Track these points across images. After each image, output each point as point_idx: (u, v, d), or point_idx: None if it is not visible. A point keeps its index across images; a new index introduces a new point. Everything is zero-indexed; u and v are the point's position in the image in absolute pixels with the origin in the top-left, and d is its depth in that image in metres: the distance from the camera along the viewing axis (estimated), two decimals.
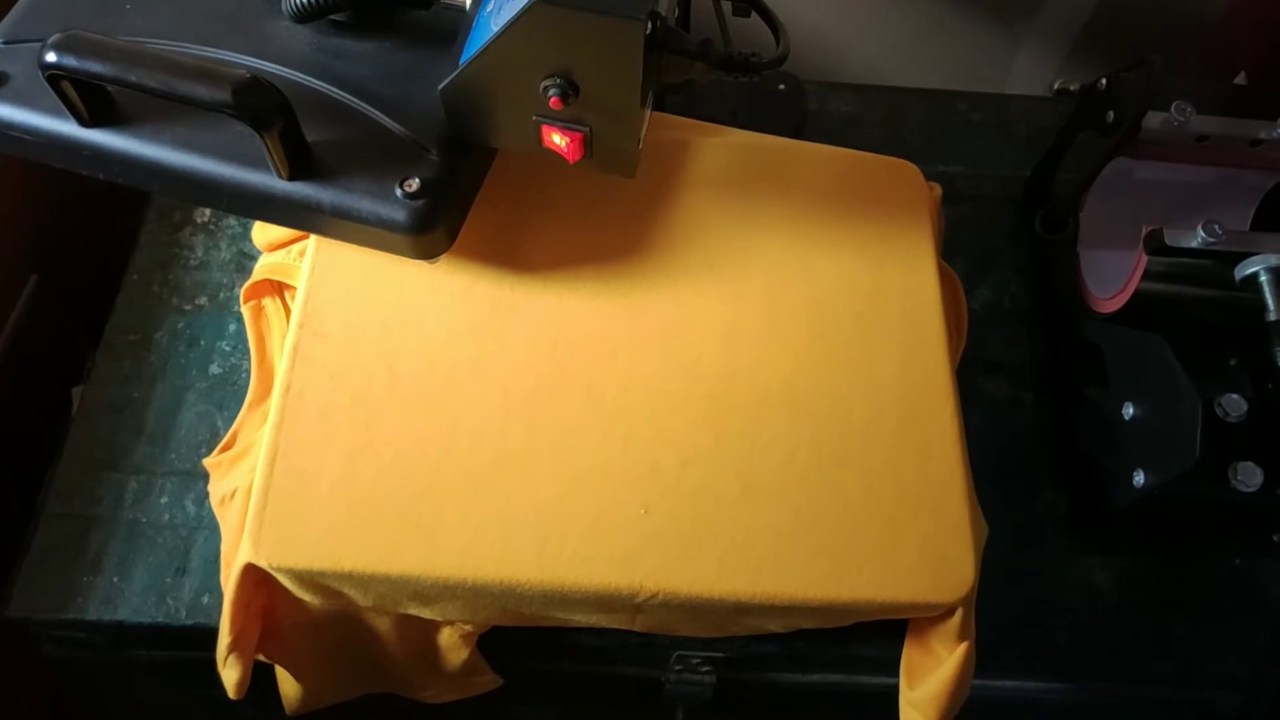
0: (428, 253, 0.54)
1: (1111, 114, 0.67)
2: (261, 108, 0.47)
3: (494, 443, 0.54)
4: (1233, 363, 0.61)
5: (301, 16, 0.53)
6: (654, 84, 0.49)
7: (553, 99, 0.47)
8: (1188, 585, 0.67)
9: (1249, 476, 0.56)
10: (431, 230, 0.52)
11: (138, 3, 0.55)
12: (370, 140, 0.52)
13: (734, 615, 0.55)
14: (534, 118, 0.49)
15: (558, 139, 0.50)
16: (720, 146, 0.67)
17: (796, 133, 0.81)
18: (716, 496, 0.54)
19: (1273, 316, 0.58)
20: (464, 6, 0.52)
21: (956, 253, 0.78)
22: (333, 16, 0.54)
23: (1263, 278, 0.59)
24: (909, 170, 0.67)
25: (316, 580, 0.52)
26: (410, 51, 0.55)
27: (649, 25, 0.44)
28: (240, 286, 0.66)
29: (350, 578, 0.51)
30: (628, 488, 0.54)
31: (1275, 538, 0.66)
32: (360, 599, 0.54)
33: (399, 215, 0.51)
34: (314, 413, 0.54)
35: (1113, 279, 0.66)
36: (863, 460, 0.56)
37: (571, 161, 0.51)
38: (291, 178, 0.51)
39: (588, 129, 0.49)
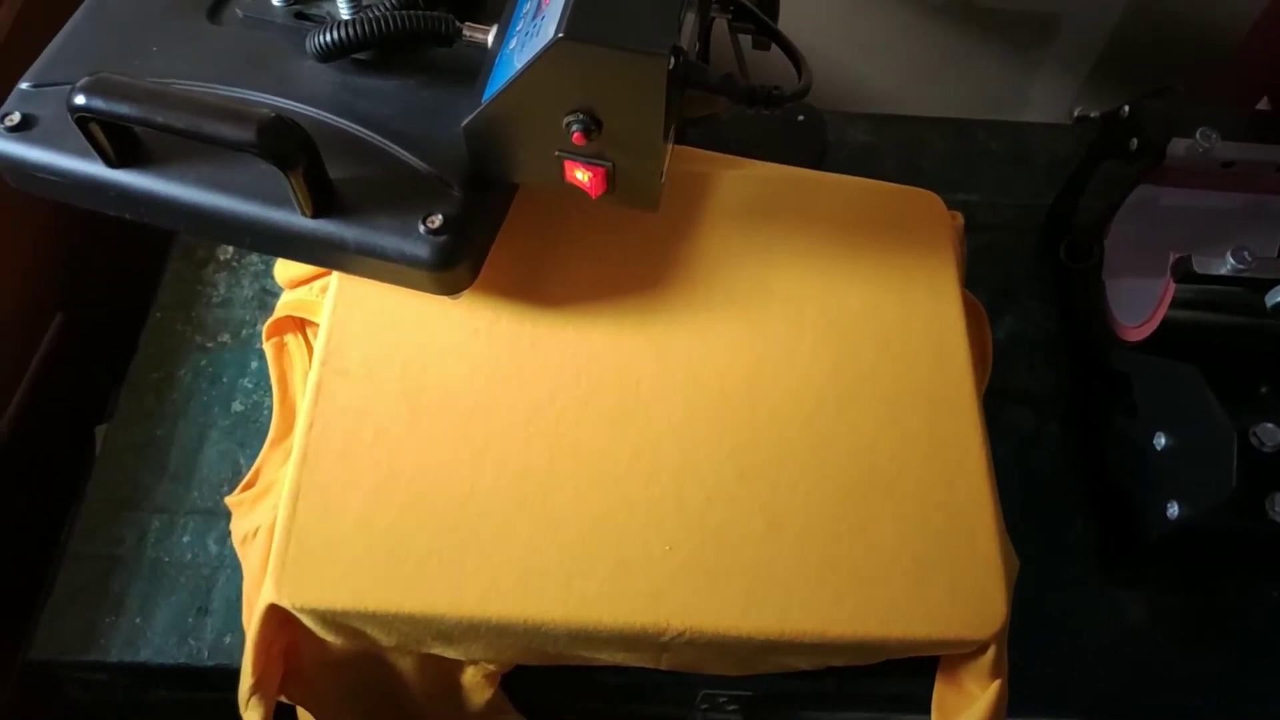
0: (451, 288, 0.54)
1: (1135, 141, 0.66)
2: (285, 147, 0.47)
3: (517, 479, 0.54)
4: (1264, 390, 0.60)
5: (325, 56, 0.53)
6: (676, 118, 0.49)
7: (576, 135, 0.47)
8: (1224, 619, 0.65)
9: None
10: (455, 266, 0.52)
11: (163, 44, 0.55)
12: (393, 177, 0.52)
13: (761, 653, 0.54)
14: (556, 153, 0.49)
15: (580, 174, 0.50)
16: (741, 179, 0.67)
17: (817, 163, 0.81)
18: (742, 533, 0.53)
19: None
20: (487, 43, 0.52)
21: (979, 282, 0.77)
22: (356, 55, 0.54)
23: None
24: (931, 200, 0.67)
25: (340, 620, 0.52)
26: (433, 89, 0.55)
27: (671, 61, 0.44)
28: (263, 323, 0.67)
29: (373, 617, 0.51)
30: (652, 524, 0.53)
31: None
32: (383, 639, 0.53)
33: (422, 252, 0.51)
34: (336, 450, 0.54)
35: (1140, 307, 0.65)
36: (889, 494, 0.55)
37: (594, 197, 0.51)
38: (315, 215, 0.51)
39: (610, 164, 0.49)
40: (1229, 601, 0.66)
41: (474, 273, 0.54)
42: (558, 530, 0.53)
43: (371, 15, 0.51)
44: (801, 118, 0.81)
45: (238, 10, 0.57)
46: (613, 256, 0.62)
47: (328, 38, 0.51)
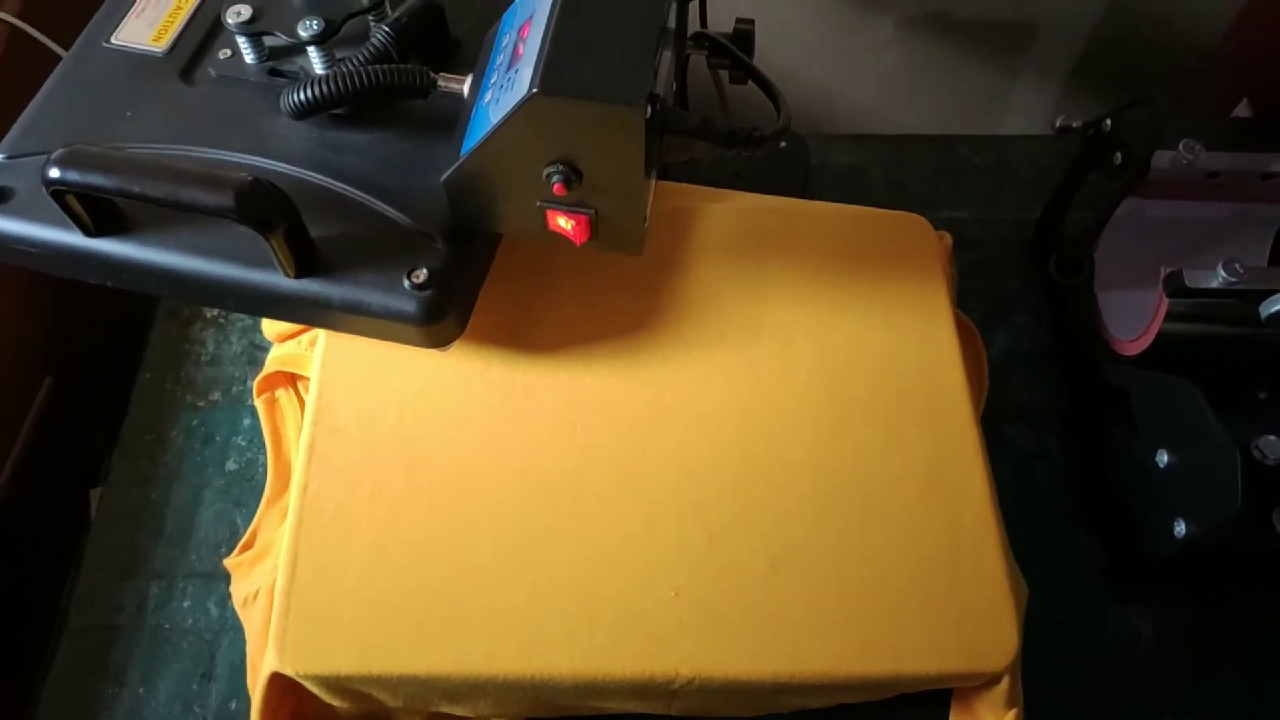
0: (440, 341, 0.53)
1: (1119, 155, 0.66)
2: (264, 210, 0.47)
3: (516, 530, 0.53)
4: (1262, 396, 0.60)
5: (300, 113, 0.53)
6: (656, 164, 0.49)
7: (556, 185, 0.46)
8: (1232, 634, 0.65)
9: None
10: (442, 319, 0.52)
11: (137, 108, 0.55)
12: (375, 233, 0.52)
13: (773, 695, 0.53)
14: (538, 204, 0.49)
15: (563, 222, 0.50)
16: (726, 211, 0.66)
17: (801, 189, 0.81)
18: (746, 573, 0.53)
19: None
20: (462, 94, 0.52)
21: (969, 299, 0.77)
22: (331, 110, 0.54)
23: None
24: (918, 224, 0.67)
25: (345, 684, 0.51)
26: (410, 141, 0.54)
27: (649, 109, 0.43)
28: (253, 379, 0.66)
29: (378, 680, 0.50)
30: (656, 568, 0.53)
31: None
32: (389, 700, 0.52)
33: (409, 307, 0.50)
34: (332, 511, 0.53)
35: (1134, 321, 0.65)
36: (893, 526, 0.55)
37: (578, 244, 0.50)
38: (299, 275, 0.50)
39: (593, 211, 0.49)
40: (1240, 614, 0.65)
41: (462, 324, 0.54)
42: (560, 581, 0.52)
43: (345, 71, 0.50)
44: (784, 144, 0.81)
45: (211, 70, 0.56)
46: (600, 299, 0.61)
47: (302, 96, 0.51)
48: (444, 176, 0.49)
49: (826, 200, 0.68)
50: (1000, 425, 0.72)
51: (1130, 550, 0.64)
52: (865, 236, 0.66)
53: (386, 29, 0.52)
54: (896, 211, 0.67)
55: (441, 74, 0.51)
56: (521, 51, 0.47)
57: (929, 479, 0.56)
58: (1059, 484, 0.69)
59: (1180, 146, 0.64)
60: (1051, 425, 0.72)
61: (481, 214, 0.51)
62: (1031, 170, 0.86)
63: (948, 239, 0.69)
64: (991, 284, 0.79)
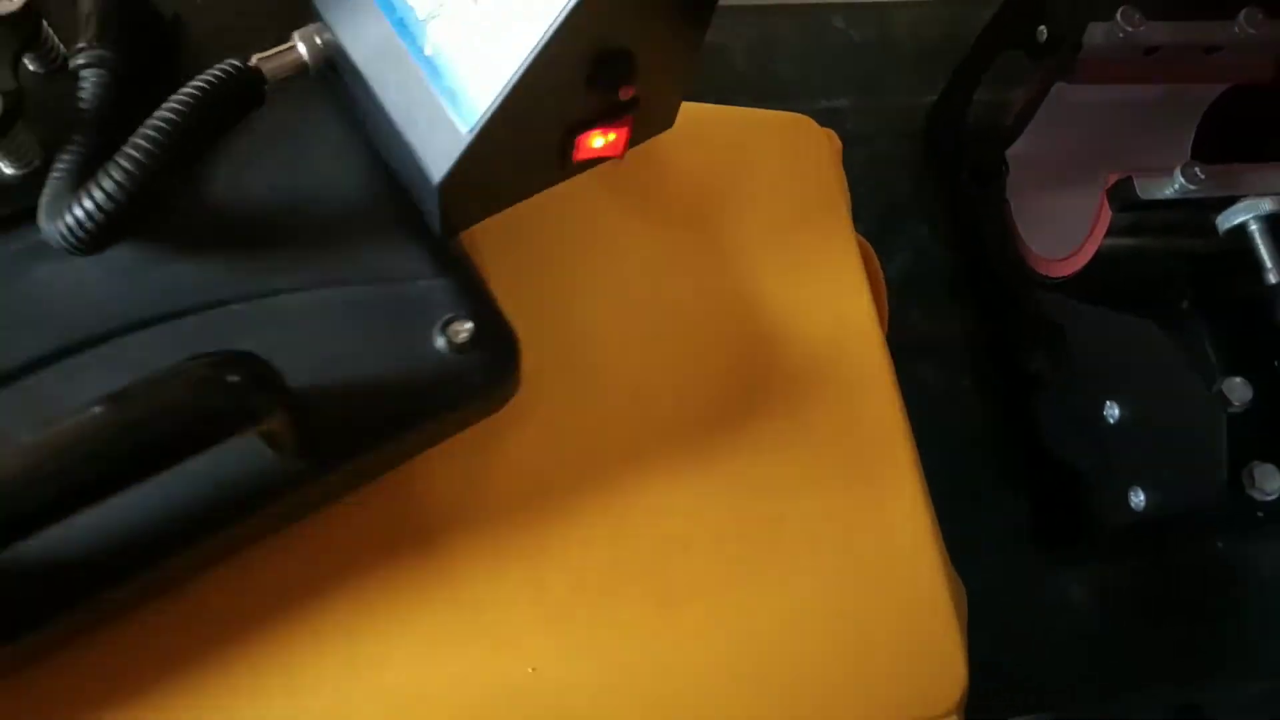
0: (509, 393, 0.35)
1: (1044, 30, 0.53)
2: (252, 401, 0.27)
3: None
4: (1223, 338, 0.51)
5: (100, 237, 0.29)
6: None
7: (622, 89, 0.31)
8: (1171, 583, 0.57)
9: (1268, 481, 0.46)
10: (511, 361, 0.34)
11: None
12: (360, 325, 0.33)
13: None
14: (565, 135, 0.32)
15: (599, 141, 0.33)
16: None
17: None
18: (624, 626, 0.40)
19: (1273, 279, 0.47)
20: (308, 67, 0.31)
21: (857, 209, 0.64)
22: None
23: (1253, 228, 0.48)
24: (805, 126, 0.53)
25: None
26: (300, 178, 0.34)
27: None
28: None
29: None
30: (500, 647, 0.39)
31: (1260, 513, 0.57)
32: None
33: (471, 377, 0.33)
34: None
35: (1062, 236, 0.54)
36: (805, 541, 0.42)
37: (621, 155, 0.34)
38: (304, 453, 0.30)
39: (634, 101, 0.33)
40: (1174, 560, 0.58)
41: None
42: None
43: (145, 137, 0.28)
44: None
45: None
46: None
47: (89, 208, 0.28)
48: (439, 178, 0.30)
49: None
50: (903, 362, 0.60)
51: (1069, 517, 0.54)
52: (746, 146, 0.51)
53: (92, 53, 0.30)
54: (779, 113, 0.53)
55: (258, 57, 0.31)
56: None
57: (849, 477, 0.44)
58: (976, 432, 0.59)
59: (1118, 17, 0.52)
60: (963, 361, 0.61)
61: (491, 196, 0.34)
62: (917, 46, 0.73)
63: (836, 141, 0.55)
64: (881, 189, 0.67)
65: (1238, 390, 0.47)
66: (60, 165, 0.29)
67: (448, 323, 0.33)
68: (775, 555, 0.42)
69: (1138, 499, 0.47)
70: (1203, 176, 0.47)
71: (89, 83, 0.30)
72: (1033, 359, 0.56)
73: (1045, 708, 0.55)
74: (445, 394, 0.33)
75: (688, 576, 0.41)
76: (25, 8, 0.29)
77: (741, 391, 0.45)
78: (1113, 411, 0.49)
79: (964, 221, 0.64)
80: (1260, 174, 0.49)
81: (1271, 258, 0.47)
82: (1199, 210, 0.49)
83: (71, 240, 0.28)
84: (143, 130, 0.28)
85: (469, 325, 0.32)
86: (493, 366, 0.34)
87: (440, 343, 0.33)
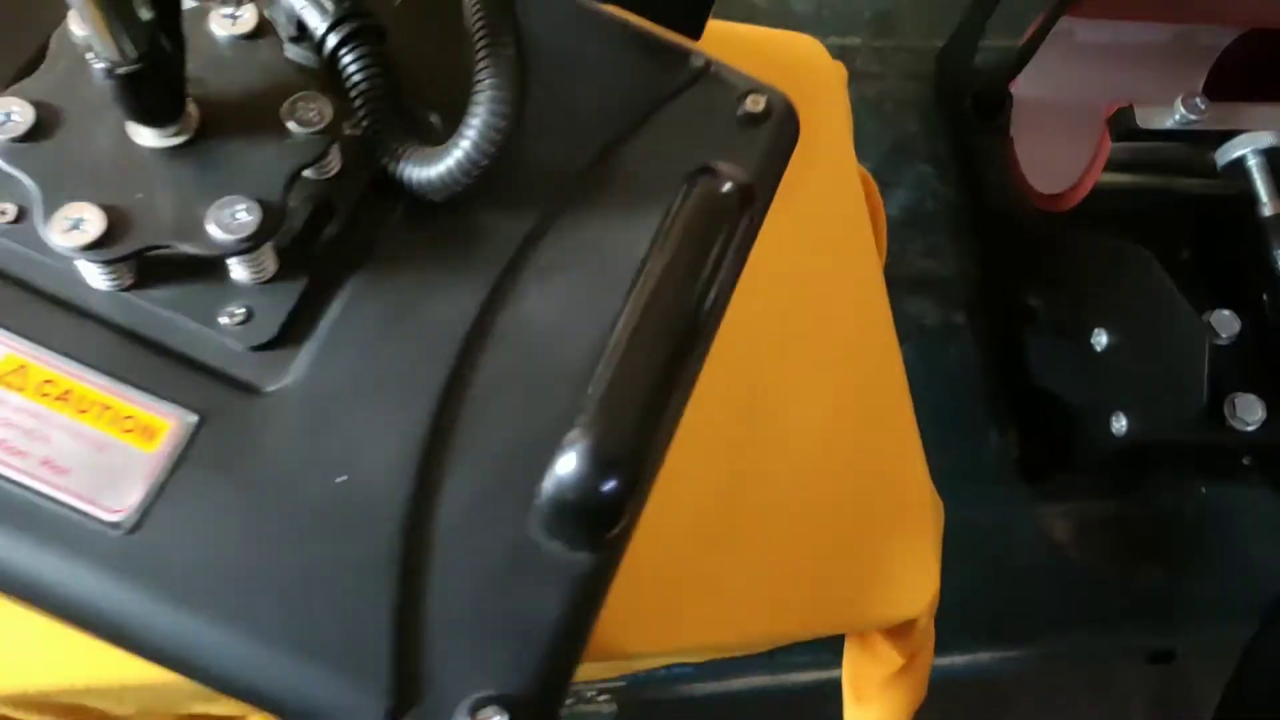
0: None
1: None
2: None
3: None
4: (1212, 269, 0.51)
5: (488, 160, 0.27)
6: None
7: None
8: (1154, 525, 0.58)
9: (1248, 412, 0.46)
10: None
11: None
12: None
13: (647, 659, 0.42)
14: None
15: None
16: None
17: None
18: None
19: (1268, 211, 0.47)
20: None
21: (863, 145, 0.64)
22: None
23: (1251, 162, 0.48)
24: (812, 48, 0.53)
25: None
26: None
27: None
28: None
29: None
30: None
31: (1245, 460, 0.57)
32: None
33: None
34: None
35: (1062, 170, 0.54)
36: (805, 456, 0.42)
37: None
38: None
39: None
40: (1158, 502, 0.58)
41: None
42: None
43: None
44: None
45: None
46: None
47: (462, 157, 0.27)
48: None
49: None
50: (899, 298, 0.61)
51: (1056, 447, 0.54)
52: (756, 64, 0.51)
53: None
54: (786, 32, 0.53)
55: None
56: None
57: (840, 386, 0.44)
58: (970, 367, 0.59)
59: None
60: (959, 298, 0.61)
61: None
62: None
63: (843, 71, 0.55)
64: (887, 129, 0.67)
65: (1225, 322, 0.47)
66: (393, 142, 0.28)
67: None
68: (776, 450, 0.42)
69: (1119, 424, 0.48)
70: (1203, 107, 0.47)
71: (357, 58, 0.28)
72: (1026, 292, 0.56)
73: (1021, 642, 0.56)
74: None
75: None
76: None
77: (740, 300, 0.45)
78: (1100, 339, 0.49)
79: (967, 160, 0.64)
80: (1263, 110, 0.49)
81: (1268, 190, 0.47)
82: (1198, 146, 0.49)
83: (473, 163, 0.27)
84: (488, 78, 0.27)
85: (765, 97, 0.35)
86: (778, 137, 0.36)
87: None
